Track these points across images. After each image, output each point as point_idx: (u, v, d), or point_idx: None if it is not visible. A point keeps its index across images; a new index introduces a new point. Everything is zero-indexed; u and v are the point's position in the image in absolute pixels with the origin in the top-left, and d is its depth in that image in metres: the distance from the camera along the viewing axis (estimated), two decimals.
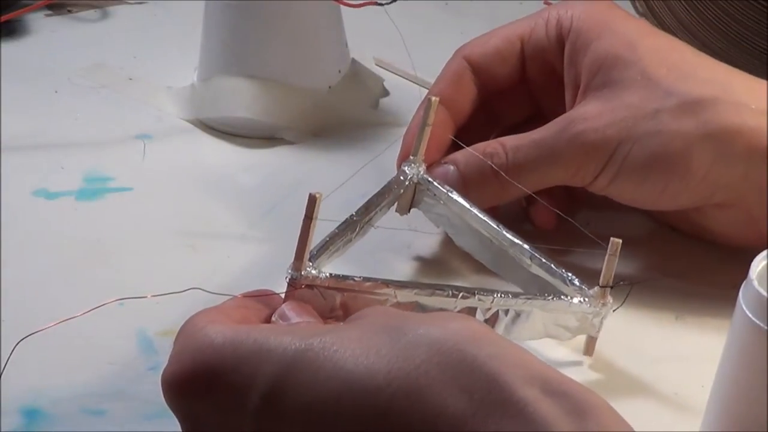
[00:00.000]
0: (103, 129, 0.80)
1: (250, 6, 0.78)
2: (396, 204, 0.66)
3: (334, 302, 0.56)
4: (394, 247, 0.69)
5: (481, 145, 0.67)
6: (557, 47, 0.68)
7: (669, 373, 0.61)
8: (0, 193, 0.73)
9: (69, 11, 0.95)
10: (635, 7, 0.89)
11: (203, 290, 0.56)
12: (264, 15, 0.78)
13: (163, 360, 0.60)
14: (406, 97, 0.82)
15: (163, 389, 0.49)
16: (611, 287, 0.59)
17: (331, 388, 0.45)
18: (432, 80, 0.73)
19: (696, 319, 0.64)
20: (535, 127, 0.67)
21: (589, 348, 0.60)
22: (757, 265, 0.51)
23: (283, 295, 0.55)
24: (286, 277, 0.55)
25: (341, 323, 0.50)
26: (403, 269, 0.68)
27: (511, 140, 0.66)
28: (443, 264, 0.68)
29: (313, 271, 0.56)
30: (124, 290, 0.60)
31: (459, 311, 0.58)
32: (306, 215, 0.55)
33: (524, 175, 0.65)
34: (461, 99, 0.70)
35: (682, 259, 0.69)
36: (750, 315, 0.49)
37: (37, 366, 0.60)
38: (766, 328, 0.49)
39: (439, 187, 0.65)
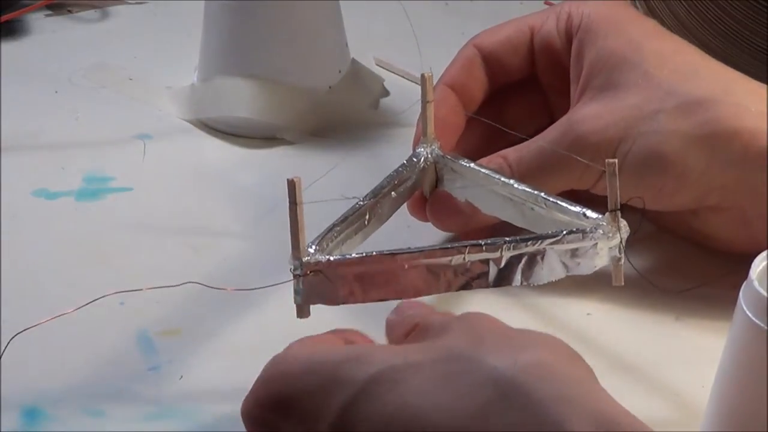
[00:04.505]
0: (103, 129, 0.80)
1: (250, 6, 0.78)
2: (422, 187, 0.66)
3: (345, 285, 0.56)
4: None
5: (483, 161, 0.67)
6: (566, 42, 0.69)
7: (669, 373, 0.61)
8: (0, 193, 0.73)
9: (69, 11, 0.95)
10: (635, 8, 0.89)
11: (200, 284, 0.56)
12: (264, 15, 0.78)
13: (163, 360, 0.60)
14: (406, 97, 0.82)
15: (242, 418, 0.50)
16: (620, 210, 0.59)
17: (397, 425, 0.44)
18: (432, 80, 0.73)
19: (696, 320, 0.64)
20: None
21: (617, 276, 0.60)
22: (758, 265, 0.51)
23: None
24: (290, 269, 0.55)
25: (415, 343, 0.49)
26: None
27: (512, 153, 0.66)
28: None
29: (317, 256, 0.55)
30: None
31: (471, 265, 0.57)
32: (290, 201, 0.54)
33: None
34: (472, 86, 0.71)
35: (682, 259, 0.69)
36: (750, 315, 0.49)
37: (38, 366, 0.60)
38: (766, 328, 0.49)
39: (455, 160, 0.66)
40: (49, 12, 0.94)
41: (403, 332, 0.52)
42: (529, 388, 0.44)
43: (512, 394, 0.44)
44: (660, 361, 0.62)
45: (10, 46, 0.89)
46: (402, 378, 0.45)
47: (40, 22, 0.93)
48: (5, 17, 0.86)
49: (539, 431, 0.43)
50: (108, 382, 0.60)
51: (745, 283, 0.50)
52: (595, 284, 0.66)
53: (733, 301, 0.51)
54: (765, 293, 0.49)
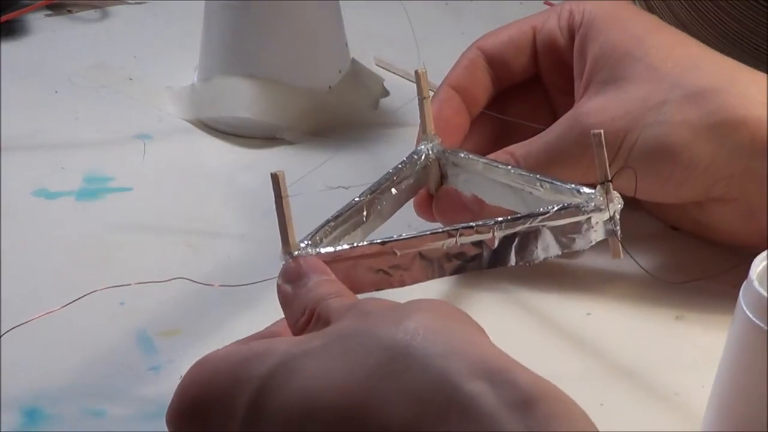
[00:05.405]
0: (103, 129, 0.80)
1: (250, 6, 0.78)
2: (427, 185, 0.66)
3: (339, 276, 0.55)
4: None
5: (490, 158, 0.67)
6: (568, 39, 0.69)
7: (669, 373, 0.61)
8: (0, 193, 0.73)
9: (69, 11, 0.95)
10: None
11: (188, 279, 0.57)
12: (264, 15, 0.78)
13: (163, 360, 0.60)
14: (406, 97, 0.82)
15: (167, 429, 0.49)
16: (611, 181, 0.59)
17: (299, 412, 0.44)
18: (432, 80, 0.73)
19: (696, 319, 0.64)
20: None
21: (615, 249, 0.60)
22: (758, 265, 0.51)
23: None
24: (282, 264, 0.55)
25: (313, 332, 0.49)
26: None
27: (519, 149, 0.67)
28: None
29: (308, 250, 0.55)
30: (124, 290, 0.61)
31: (464, 248, 0.57)
32: (276, 196, 0.54)
33: None
34: (475, 88, 0.71)
35: (682, 258, 0.69)
36: (750, 315, 0.49)
37: (38, 366, 0.60)
38: (766, 328, 0.49)
39: (455, 154, 0.66)
40: (49, 12, 0.94)
41: (298, 316, 0.52)
42: (415, 348, 0.44)
43: (398, 356, 0.44)
44: (660, 360, 0.62)
45: (10, 46, 0.89)
46: (299, 366, 0.45)
47: (40, 22, 0.93)
48: (5, 17, 0.86)
49: (423, 389, 0.43)
50: (108, 382, 0.59)
51: (744, 283, 0.50)
52: (595, 284, 0.67)
53: (733, 300, 0.51)
54: (765, 293, 0.49)
